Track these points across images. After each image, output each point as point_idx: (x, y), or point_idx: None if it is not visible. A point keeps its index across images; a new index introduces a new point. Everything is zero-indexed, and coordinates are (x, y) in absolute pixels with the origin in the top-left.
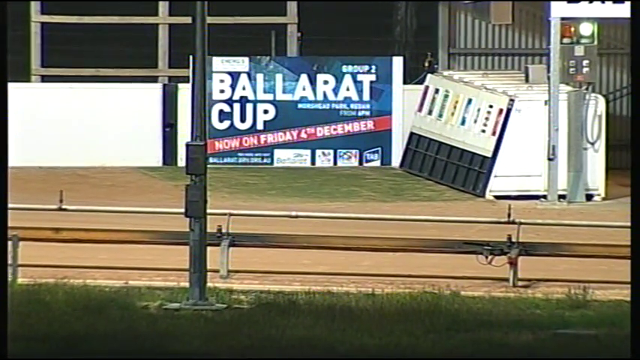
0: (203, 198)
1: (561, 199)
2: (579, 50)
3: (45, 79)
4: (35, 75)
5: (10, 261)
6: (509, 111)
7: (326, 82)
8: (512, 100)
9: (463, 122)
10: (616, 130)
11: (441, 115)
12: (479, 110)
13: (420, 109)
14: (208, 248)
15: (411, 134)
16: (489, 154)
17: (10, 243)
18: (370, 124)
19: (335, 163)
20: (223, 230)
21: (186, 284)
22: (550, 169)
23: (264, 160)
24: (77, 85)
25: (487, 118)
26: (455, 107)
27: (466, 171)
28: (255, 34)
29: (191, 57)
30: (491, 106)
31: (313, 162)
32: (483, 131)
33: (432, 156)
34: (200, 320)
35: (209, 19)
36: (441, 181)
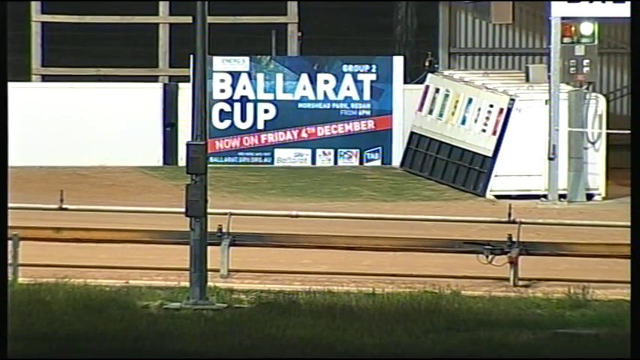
0: (203, 197)
1: (562, 199)
2: (580, 50)
3: (45, 78)
4: (36, 74)
5: (10, 260)
6: (509, 110)
7: (326, 82)
8: (512, 100)
9: (464, 122)
10: (617, 130)
11: (441, 115)
12: (479, 110)
13: (420, 109)
14: (209, 248)
15: (412, 134)
16: (490, 154)
17: (10, 242)
18: (371, 124)
19: (335, 162)
20: (224, 230)
21: (187, 284)
22: (550, 168)
23: (265, 160)
24: (78, 84)
25: (487, 118)
26: (455, 107)
27: (467, 170)
28: (255, 34)
29: (191, 56)
30: (491, 106)
31: (314, 161)
32: (484, 131)
33: (432, 155)
34: (200, 320)
35: (209, 19)
36: (441, 180)
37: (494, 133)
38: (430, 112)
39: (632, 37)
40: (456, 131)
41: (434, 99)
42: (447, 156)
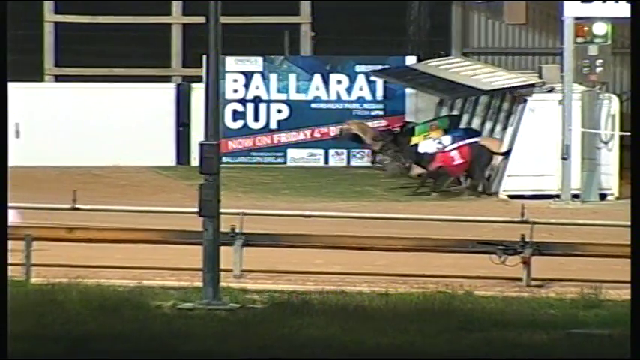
0: (216, 197)
1: (575, 199)
2: (593, 50)
3: (58, 78)
4: (49, 74)
5: (24, 260)
6: (531, 86)
7: (339, 82)
8: (543, 83)
9: None
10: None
11: None
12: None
13: None
14: (222, 248)
15: None
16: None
17: (24, 242)
18: (383, 124)
19: (348, 162)
20: (237, 230)
21: (200, 284)
22: (564, 168)
23: (278, 160)
24: (91, 84)
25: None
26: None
27: None
28: (268, 34)
29: (204, 56)
30: (511, 79)
31: (327, 162)
32: None
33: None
34: (214, 320)
35: (222, 19)
36: None
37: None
38: None
39: (632, 37)
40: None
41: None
42: None
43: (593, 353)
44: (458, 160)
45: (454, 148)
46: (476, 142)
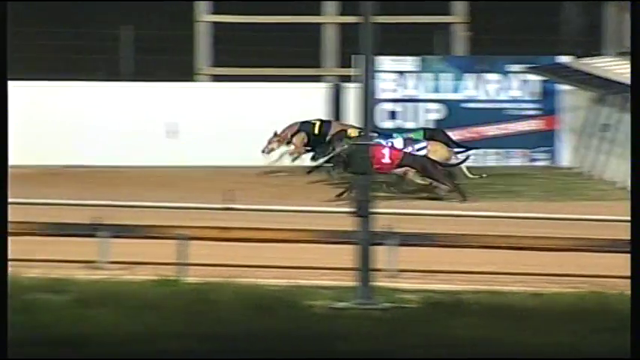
0: (369, 197)
1: None
2: None
3: (212, 78)
4: (202, 75)
5: (179, 260)
6: None
7: (493, 82)
8: None
9: None
10: None
11: None
12: None
13: None
14: (375, 247)
15: None
16: None
17: (178, 242)
18: (537, 124)
19: (502, 162)
20: (390, 229)
21: (352, 283)
22: None
23: None
24: (244, 84)
25: None
26: None
27: None
28: (422, 33)
29: (356, 56)
30: None
31: (481, 161)
32: None
33: None
34: (368, 319)
35: (377, 19)
36: None
37: None
38: None
39: (631, 37)
40: None
41: None
42: None
43: None
44: (386, 160)
45: (387, 147)
46: (414, 154)
